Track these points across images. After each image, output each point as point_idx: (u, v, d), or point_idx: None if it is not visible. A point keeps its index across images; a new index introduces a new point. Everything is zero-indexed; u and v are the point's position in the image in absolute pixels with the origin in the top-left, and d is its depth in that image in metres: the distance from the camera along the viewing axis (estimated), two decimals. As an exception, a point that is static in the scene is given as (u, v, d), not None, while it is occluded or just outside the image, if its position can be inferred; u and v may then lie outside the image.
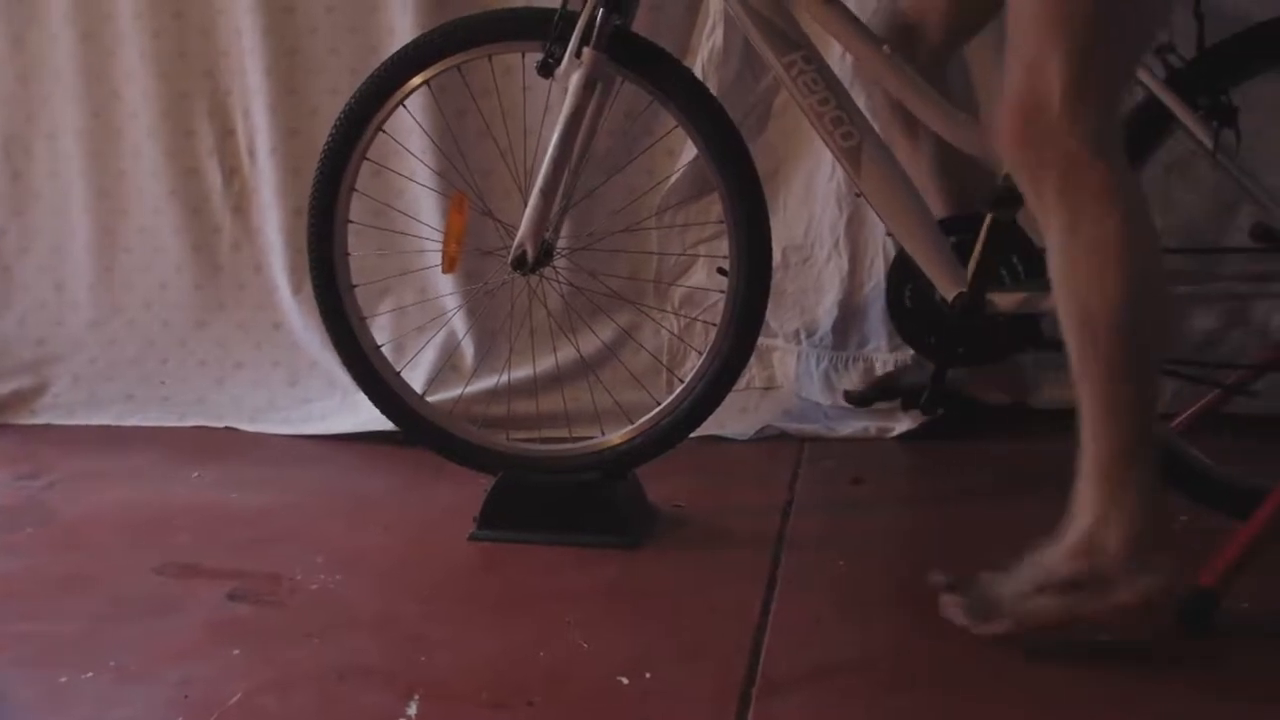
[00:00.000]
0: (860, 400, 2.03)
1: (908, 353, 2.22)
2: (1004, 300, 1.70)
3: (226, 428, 2.46)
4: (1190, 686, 1.37)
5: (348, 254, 1.95)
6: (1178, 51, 1.63)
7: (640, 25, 1.82)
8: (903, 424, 2.26)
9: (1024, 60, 1.32)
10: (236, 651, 1.51)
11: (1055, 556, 1.37)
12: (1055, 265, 1.36)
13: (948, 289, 1.70)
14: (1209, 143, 1.60)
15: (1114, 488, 1.32)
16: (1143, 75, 1.65)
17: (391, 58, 1.89)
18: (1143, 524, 1.31)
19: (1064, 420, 2.23)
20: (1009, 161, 1.38)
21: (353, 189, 1.91)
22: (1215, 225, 2.09)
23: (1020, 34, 1.33)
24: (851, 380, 2.29)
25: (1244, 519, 1.52)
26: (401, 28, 2.33)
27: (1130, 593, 1.31)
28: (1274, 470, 1.55)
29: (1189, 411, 1.93)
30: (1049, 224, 1.35)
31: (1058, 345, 1.76)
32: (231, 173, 2.55)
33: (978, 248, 1.72)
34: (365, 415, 2.25)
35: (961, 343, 1.77)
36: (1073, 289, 1.34)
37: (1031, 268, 1.75)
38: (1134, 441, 1.32)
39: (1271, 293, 1.79)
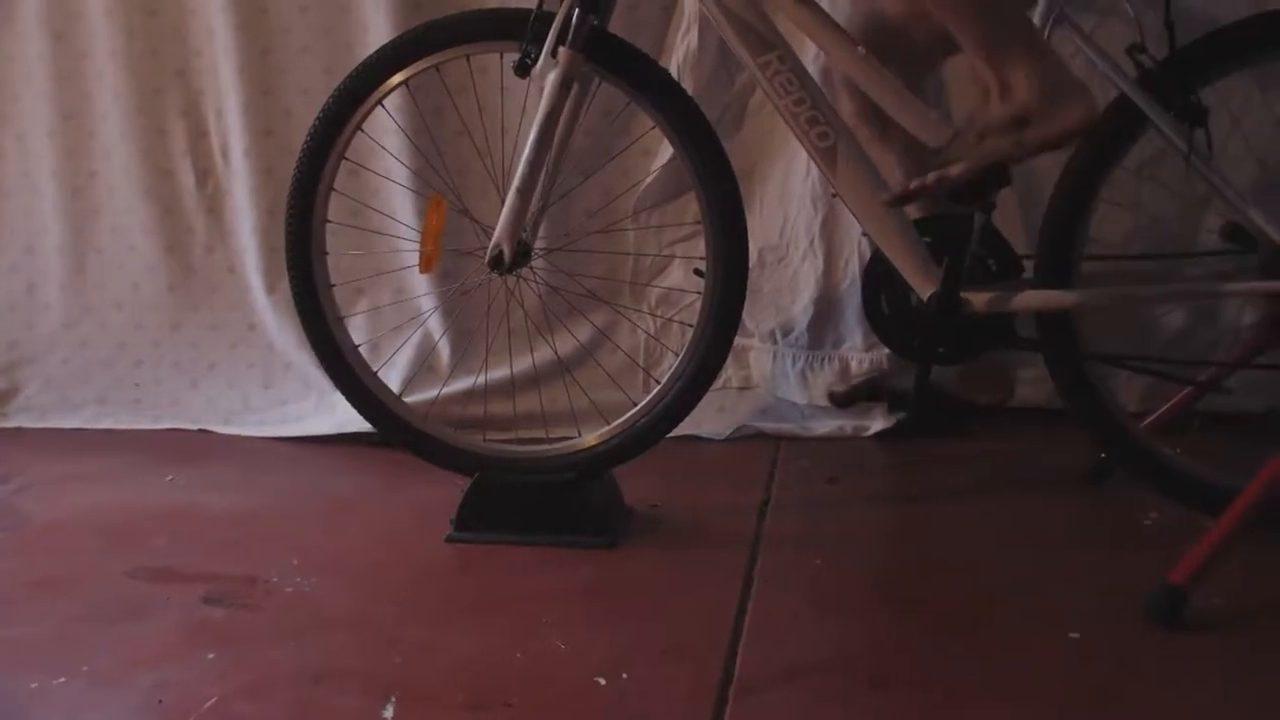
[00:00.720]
0: (844, 401, 2.04)
1: (883, 352, 2.24)
2: (978, 299, 1.71)
3: (201, 430, 2.45)
4: (1161, 682, 1.38)
5: (325, 253, 1.94)
6: (1149, 53, 1.65)
7: (616, 25, 1.82)
8: (878, 423, 2.27)
9: None
10: (211, 655, 1.50)
11: (984, 116, 1.54)
12: None
13: (923, 288, 1.71)
14: (1181, 143, 1.62)
15: (1001, 53, 1.49)
16: (1115, 76, 1.66)
17: (370, 58, 1.88)
18: (1043, 73, 1.49)
19: (1038, 419, 2.26)
20: None
21: (331, 188, 1.91)
22: (1186, 225, 2.10)
23: None
24: (827, 379, 2.30)
25: (1215, 516, 1.54)
26: (376, 27, 2.33)
27: (1064, 116, 1.50)
28: (1245, 468, 1.56)
29: (1161, 409, 1.95)
30: None
31: (1033, 344, 1.79)
32: (205, 173, 2.54)
33: (952, 248, 1.73)
34: (341, 416, 2.25)
35: (937, 342, 1.78)
36: None
37: (1004, 267, 1.76)
38: (995, 9, 1.50)
39: (1241, 291, 1.80)
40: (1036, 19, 1.69)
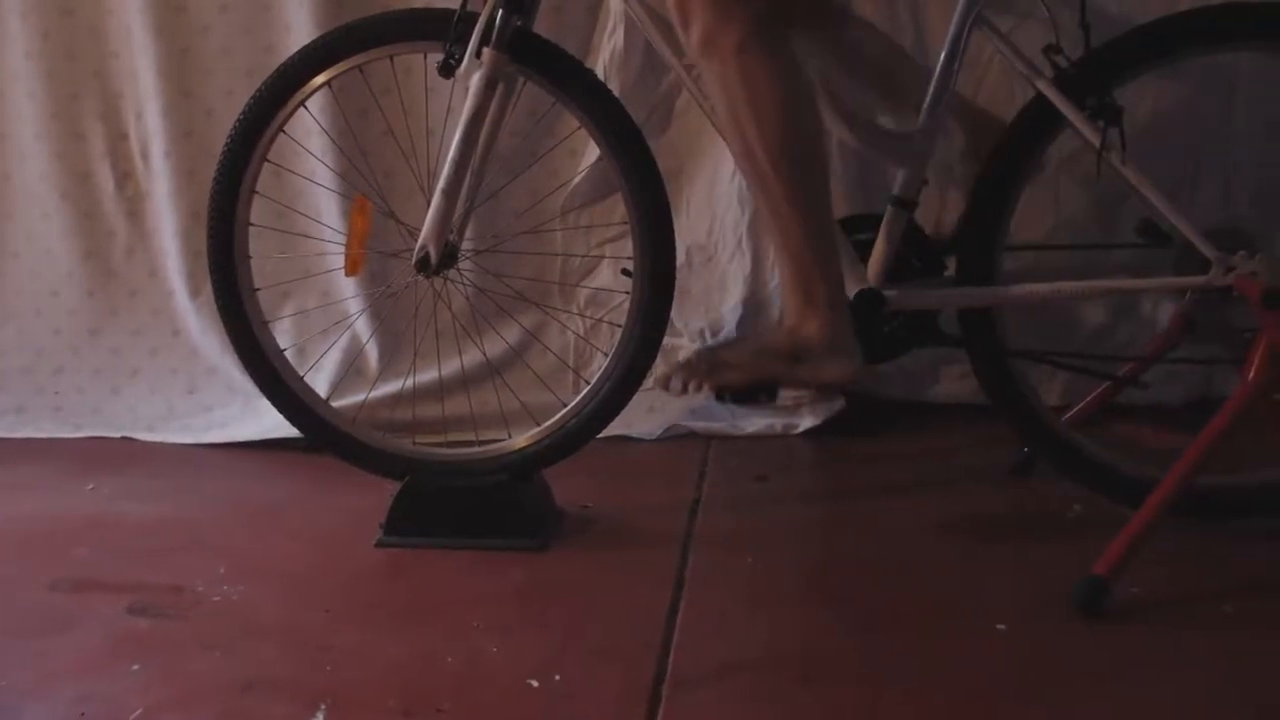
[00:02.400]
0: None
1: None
2: (901, 297, 1.73)
3: (123, 438, 2.40)
4: (1086, 671, 1.41)
5: (248, 257, 1.92)
6: (1065, 53, 1.68)
7: (542, 26, 1.82)
8: (807, 420, 2.28)
9: None
10: (136, 667, 1.48)
11: (773, 337, 1.68)
12: (718, 108, 1.61)
13: (849, 287, 1.73)
14: (1096, 141, 1.65)
15: (804, 299, 1.62)
16: (1032, 76, 1.69)
17: (292, 58, 1.86)
18: (831, 327, 1.63)
19: (961, 415, 2.30)
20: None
21: (253, 191, 1.89)
22: (1103, 222, 2.15)
23: None
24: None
25: (1135, 507, 1.58)
26: (298, 27, 2.30)
27: (830, 369, 1.64)
28: (1164, 460, 1.60)
29: (1082, 404, 1.99)
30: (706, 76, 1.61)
31: (956, 341, 1.81)
32: (124, 176, 2.50)
33: (877, 246, 1.75)
34: (268, 422, 2.22)
35: (863, 340, 1.79)
36: (735, 127, 1.59)
37: (929, 265, 1.79)
38: (815, 261, 1.61)
39: (1155, 287, 1.84)
40: (955, 21, 1.71)
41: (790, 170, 1.58)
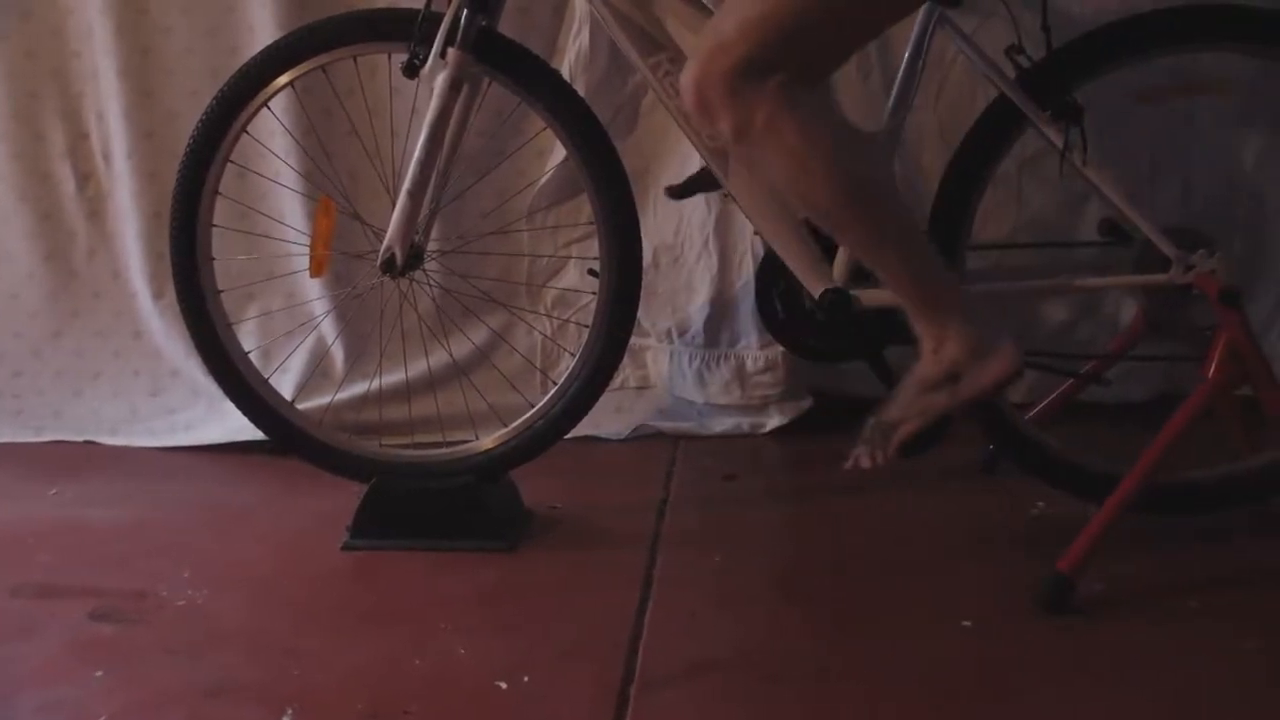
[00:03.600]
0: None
1: (778, 350, 2.26)
2: (868, 296, 1.74)
3: (86, 441, 2.38)
4: (1050, 667, 1.42)
5: (212, 258, 1.91)
6: (1027, 54, 1.69)
7: (507, 27, 1.82)
8: (774, 420, 2.29)
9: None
10: (100, 673, 1.46)
11: (921, 372, 1.60)
12: (777, 183, 1.54)
13: (814, 286, 1.74)
14: (1058, 141, 1.66)
15: (932, 319, 1.56)
16: (994, 77, 1.70)
17: (255, 58, 1.85)
18: (969, 331, 1.56)
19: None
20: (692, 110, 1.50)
21: (216, 192, 1.88)
22: (1065, 220, 2.16)
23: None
24: (724, 377, 2.31)
25: (1099, 504, 1.59)
26: (262, 27, 2.28)
27: (992, 369, 1.56)
28: (1127, 456, 1.62)
29: (1045, 401, 2.01)
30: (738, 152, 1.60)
31: (921, 340, 1.81)
32: (85, 177, 2.47)
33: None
34: (233, 424, 2.20)
35: (830, 339, 1.80)
36: (800, 194, 1.53)
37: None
38: (924, 283, 1.56)
39: (1117, 285, 1.86)
40: (918, 22, 1.72)
41: (867, 211, 1.53)
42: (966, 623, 1.52)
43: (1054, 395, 2.00)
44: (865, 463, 1.63)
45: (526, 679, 1.41)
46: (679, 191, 1.92)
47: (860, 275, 1.76)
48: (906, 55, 1.73)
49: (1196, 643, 1.46)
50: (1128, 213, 1.68)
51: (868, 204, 1.52)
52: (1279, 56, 1.71)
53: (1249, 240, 2.19)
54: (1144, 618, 1.53)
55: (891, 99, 1.74)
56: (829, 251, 1.76)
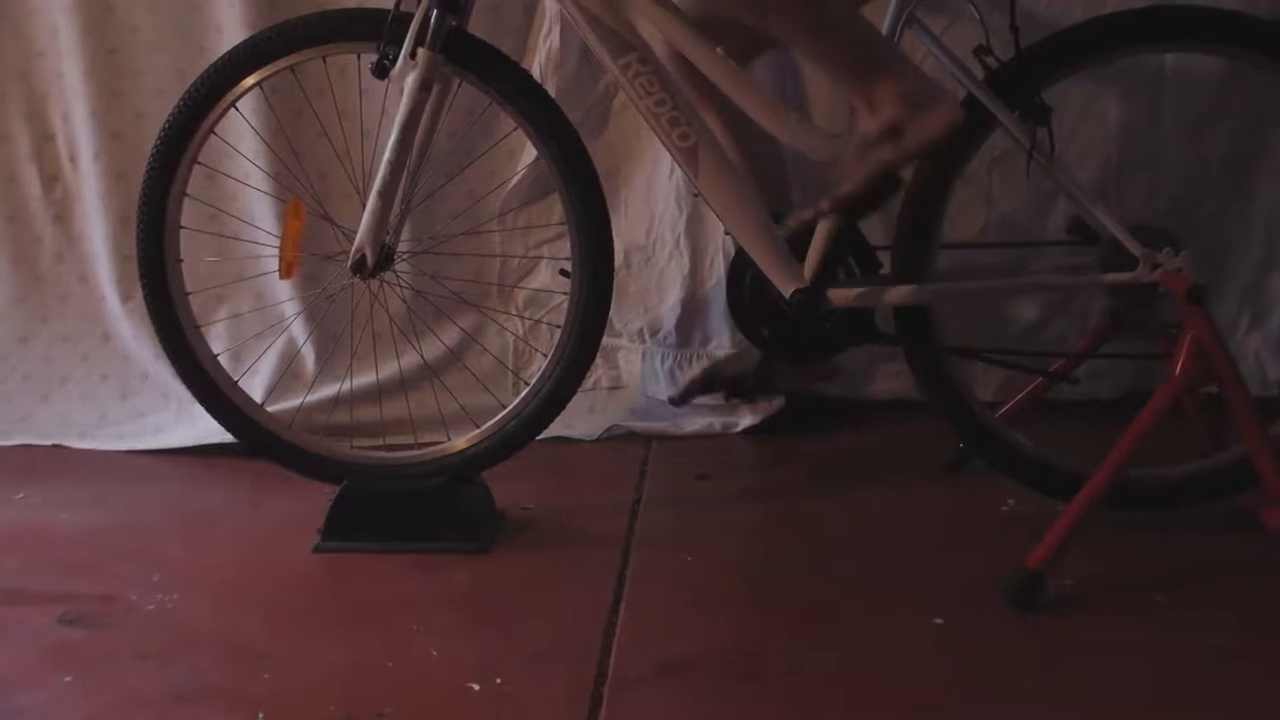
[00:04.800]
0: (681, 399, 2.06)
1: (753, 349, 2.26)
2: (840, 296, 1.75)
3: (54, 445, 2.36)
4: (1021, 663, 1.43)
5: (180, 260, 1.89)
6: (995, 54, 1.70)
7: (478, 27, 1.82)
8: (746, 419, 2.30)
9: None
10: (69, 678, 1.45)
11: (861, 130, 1.61)
12: None
13: (785, 286, 1.74)
14: (1025, 141, 1.67)
15: (865, 80, 1.58)
16: (963, 77, 1.71)
17: (222, 58, 1.84)
18: (905, 84, 1.58)
19: (897, 412, 2.32)
20: None
21: (184, 193, 1.86)
22: (1034, 220, 2.18)
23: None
24: (696, 376, 2.32)
25: (1067, 501, 1.60)
26: (230, 27, 2.27)
27: (933, 120, 1.58)
28: (1095, 454, 1.63)
29: (1014, 400, 2.02)
30: None
31: (892, 338, 1.83)
32: (52, 179, 2.45)
33: (813, 245, 1.76)
34: (202, 427, 2.19)
35: (801, 339, 1.81)
36: None
37: (865, 264, 1.80)
38: (853, 44, 1.59)
39: (1085, 284, 1.87)
40: (887, 21, 1.73)
41: None
42: (938, 620, 1.53)
43: (1023, 393, 2.02)
44: (808, 215, 1.67)
45: (499, 680, 1.41)
46: (680, 398, 2.06)
47: (830, 276, 1.77)
48: (876, 55, 1.74)
49: (1165, 637, 1.47)
50: (1094, 212, 1.70)
51: None
52: (1243, 57, 1.73)
53: (1215, 239, 2.22)
54: (1113, 613, 1.54)
55: (861, 99, 1.75)
56: (799, 251, 1.77)
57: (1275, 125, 2.18)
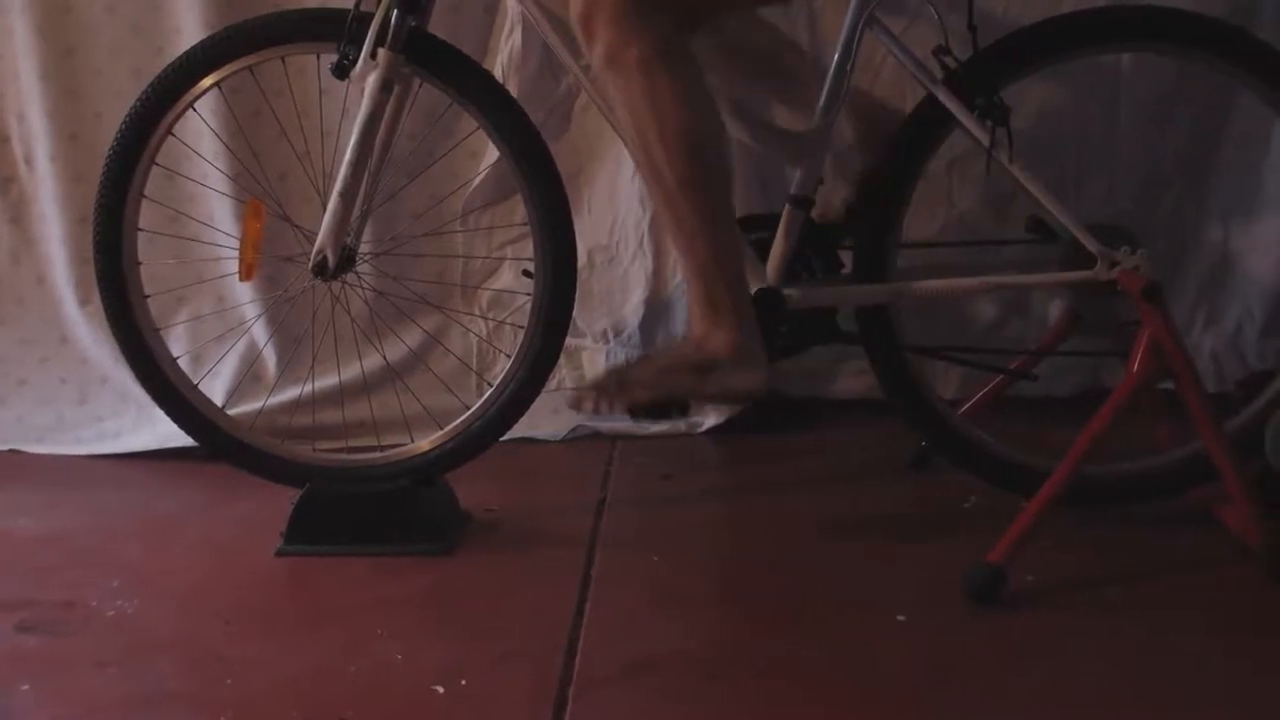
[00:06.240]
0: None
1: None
2: (799, 295, 1.76)
3: (10, 450, 2.33)
4: (984, 656, 1.44)
5: (138, 263, 1.88)
6: (954, 54, 1.71)
7: (439, 27, 1.81)
8: (710, 419, 2.30)
9: None
10: (26, 686, 1.43)
11: (681, 350, 1.67)
12: (620, 119, 1.61)
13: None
14: (985, 141, 1.69)
15: (710, 310, 1.62)
16: (922, 77, 1.72)
17: (180, 58, 1.83)
18: (737, 338, 1.62)
19: (860, 411, 2.33)
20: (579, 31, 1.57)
21: (142, 195, 1.85)
22: (993, 218, 2.20)
23: None
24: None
25: (1028, 497, 1.62)
26: (189, 27, 2.25)
27: (738, 379, 1.63)
28: (1055, 451, 1.64)
29: (975, 397, 2.03)
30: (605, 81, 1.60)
31: (854, 338, 1.84)
32: (7, 181, 2.42)
33: (776, 245, 1.77)
34: (163, 431, 2.17)
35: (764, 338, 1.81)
36: (639, 140, 1.58)
37: (828, 264, 1.81)
38: (722, 279, 1.61)
39: (1044, 282, 1.89)
40: (847, 22, 1.73)
41: (695, 184, 1.57)
42: (901, 617, 1.53)
43: (984, 391, 2.03)
44: (588, 407, 1.67)
45: (464, 682, 1.41)
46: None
47: (793, 276, 1.78)
48: (836, 56, 1.75)
49: (1124, 631, 1.49)
50: (1053, 210, 1.71)
51: (703, 179, 1.57)
52: (1199, 58, 1.75)
53: (1172, 236, 2.24)
54: (1072, 607, 1.56)
55: (821, 99, 1.75)
56: (762, 252, 1.77)
57: (1230, 124, 2.21)
